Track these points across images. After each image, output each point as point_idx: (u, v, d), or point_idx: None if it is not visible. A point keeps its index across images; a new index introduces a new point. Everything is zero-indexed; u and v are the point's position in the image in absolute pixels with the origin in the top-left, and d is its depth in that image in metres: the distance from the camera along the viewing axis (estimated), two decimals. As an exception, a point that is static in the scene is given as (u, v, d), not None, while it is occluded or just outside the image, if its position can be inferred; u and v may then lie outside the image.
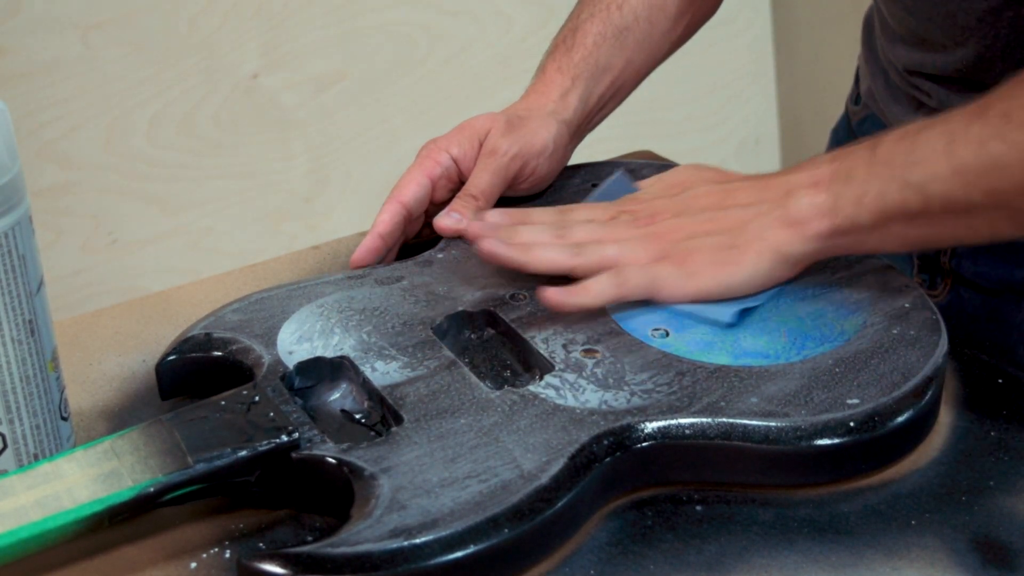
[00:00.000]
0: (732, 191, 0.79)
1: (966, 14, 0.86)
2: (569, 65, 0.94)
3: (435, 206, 0.88)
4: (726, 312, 0.77)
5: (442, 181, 0.88)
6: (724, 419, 0.70)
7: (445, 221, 0.85)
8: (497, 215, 0.81)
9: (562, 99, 0.92)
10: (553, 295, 0.75)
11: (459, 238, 0.85)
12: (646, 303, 0.79)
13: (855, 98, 1.06)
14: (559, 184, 0.92)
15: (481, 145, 0.89)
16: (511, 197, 0.90)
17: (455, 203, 0.86)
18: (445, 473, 0.66)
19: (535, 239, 0.79)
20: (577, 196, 0.90)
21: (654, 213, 0.80)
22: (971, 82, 0.88)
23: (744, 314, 0.77)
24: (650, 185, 0.84)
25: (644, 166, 0.93)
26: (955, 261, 0.92)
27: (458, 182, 0.89)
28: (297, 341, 0.76)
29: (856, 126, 1.04)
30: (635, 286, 0.76)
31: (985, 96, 0.71)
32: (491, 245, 0.78)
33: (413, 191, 0.87)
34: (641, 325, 0.77)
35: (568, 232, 0.79)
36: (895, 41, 0.95)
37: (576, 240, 0.79)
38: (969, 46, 0.87)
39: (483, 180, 0.87)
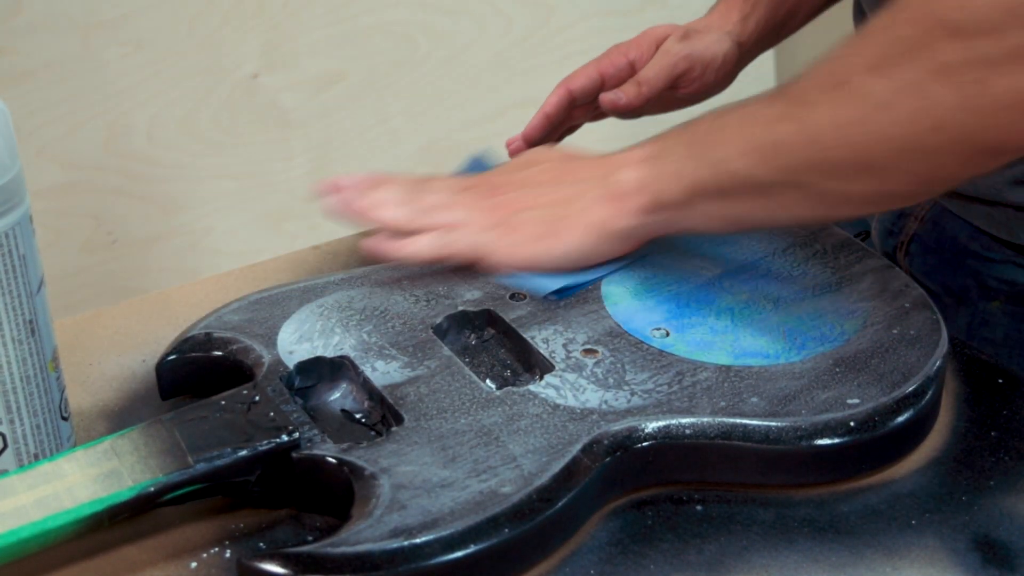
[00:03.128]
0: (571, 168, 0.82)
1: None
2: None
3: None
4: (547, 285, 0.79)
5: (613, 80, 0.95)
6: (724, 419, 0.70)
7: (608, 97, 0.93)
8: (356, 177, 0.84)
9: (742, 22, 0.99)
10: (371, 240, 0.81)
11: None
12: (646, 303, 0.79)
13: None
14: None
15: (658, 47, 0.96)
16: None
17: (625, 85, 0.94)
18: (445, 473, 0.66)
19: (387, 199, 0.82)
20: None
21: (500, 186, 0.83)
22: None
23: (566, 292, 0.79)
24: (505, 163, 0.88)
25: None
26: (908, 260, 0.94)
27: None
28: (297, 341, 0.76)
29: None
30: (459, 249, 0.80)
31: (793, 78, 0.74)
32: (343, 199, 0.83)
33: (582, 82, 0.95)
34: (641, 325, 0.77)
35: (418, 197, 0.83)
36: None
37: (424, 204, 0.82)
38: None
39: (651, 71, 0.94)
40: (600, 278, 0.80)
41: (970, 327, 0.92)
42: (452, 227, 0.81)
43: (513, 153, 0.95)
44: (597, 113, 0.98)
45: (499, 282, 0.80)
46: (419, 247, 0.80)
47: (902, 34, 0.64)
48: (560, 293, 0.79)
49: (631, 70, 0.96)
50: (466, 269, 0.82)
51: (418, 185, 0.84)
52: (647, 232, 0.78)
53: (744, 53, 0.99)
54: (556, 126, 0.95)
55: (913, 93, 0.64)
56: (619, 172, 0.78)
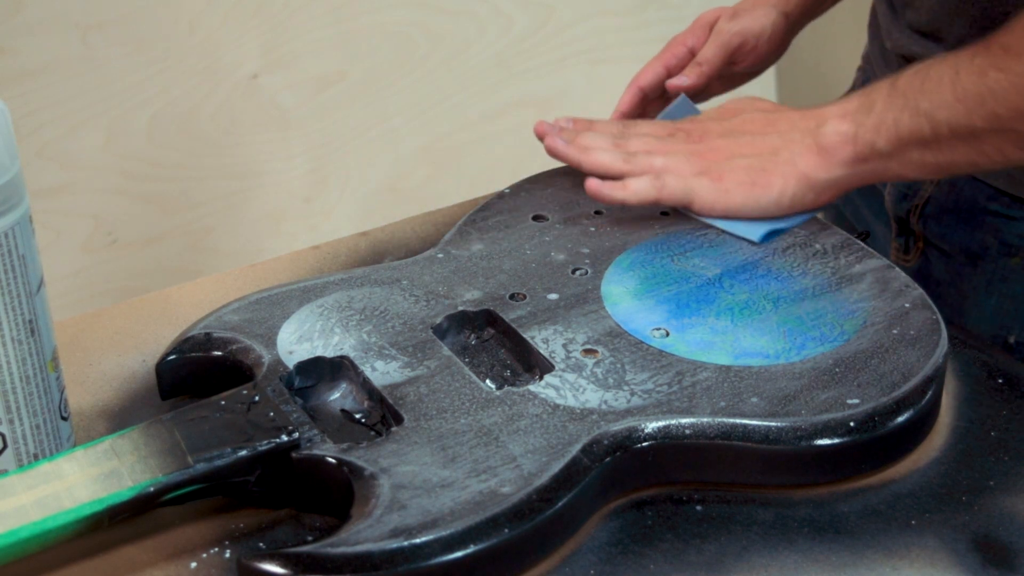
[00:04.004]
0: (775, 120, 0.86)
1: None
2: None
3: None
4: (756, 231, 0.83)
5: (677, 70, 0.99)
6: (724, 419, 0.70)
7: (673, 82, 0.97)
8: (565, 120, 0.89)
9: None
10: (593, 183, 0.84)
11: (461, 238, 0.85)
12: (646, 303, 0.79)
13: (860, 66, 1.12)
14: (560, 183, 0.92)
15: (711, 29, 1.01)
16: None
17: (687, 68, 0.98)
18: (445, 473, 0.66)
19: (594, 143, 0.87)
20: (579, 195, 0.90)
21: (704, 133, 0.87)
22: (939, 37, 0.94)
23: (772, 235, 0.83)
24: (711, 110, 0.91)
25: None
26: (923, 223, 0.96)
27: None
28: (297, 341, 0.76)
29: (856, 88, 1.09)
30: (671, 192, 0.84)
31: (993, 33, 0.77)
32: (553, 141, 0.87)
33: (649, 77, 0.99)
34: (641, 325, 0.77)
35: (626, 142, 0.87)
36: (883, 4, 1.01)
37: (631, 149, 0.86)
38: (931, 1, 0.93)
39: (709, 51, 0.99)
40: (799, 223, 0.84)
41: (989, 284, 0.93)
42: (662, 171, 0.84)
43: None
44: (663, 106, 1.01)
45: (709, 222, 0.84)
46: (635, 190, 0.84)
47: None
48: (768, 237, 0.83)
49: (691, 57, 1.00)
50: (466, 269, 0.82)
51: (625, 130, 0.88)
52: (853, 182, 0.82)
53: (792, 23, 1.03)
54: None
55: None
56: (826, 124, 0.82)
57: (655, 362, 0.74)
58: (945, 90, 0.77)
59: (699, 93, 0.99)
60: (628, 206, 0.86)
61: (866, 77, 1.07)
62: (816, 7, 1.06)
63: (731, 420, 0.70)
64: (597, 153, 0.86)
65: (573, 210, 0.88)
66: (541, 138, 0.88)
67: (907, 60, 0.97)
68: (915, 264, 0.97)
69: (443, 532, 0.63)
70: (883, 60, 1.02)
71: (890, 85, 0.81)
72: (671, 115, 0.94)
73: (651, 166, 0.85)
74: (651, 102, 0.99)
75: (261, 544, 0.68)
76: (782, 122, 0.85)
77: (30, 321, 0.69)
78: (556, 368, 0.74)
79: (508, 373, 0.76)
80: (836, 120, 0.82)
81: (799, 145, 0.83)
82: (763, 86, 1.99)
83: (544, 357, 0.75)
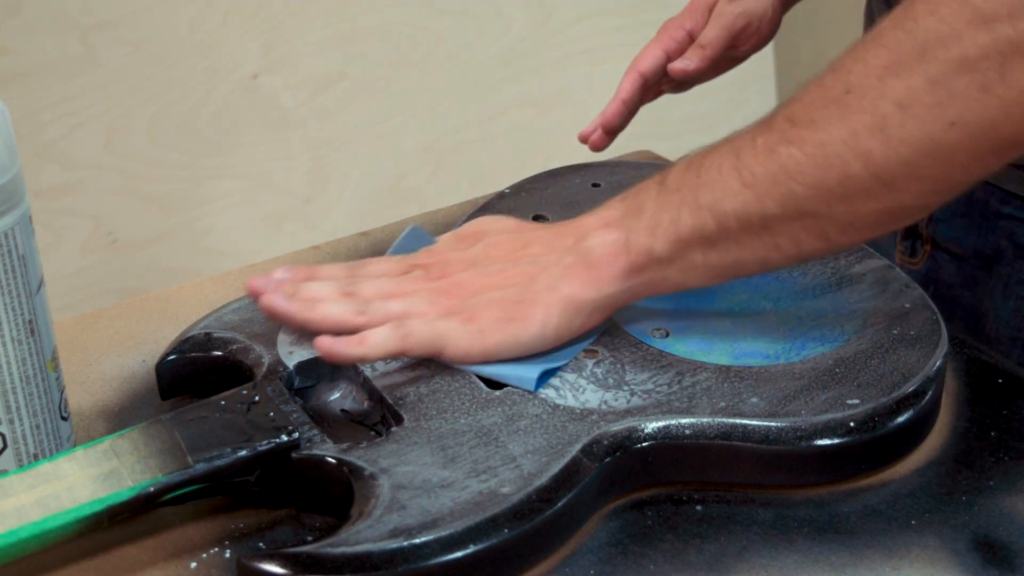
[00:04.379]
0: (526, 242, 0.77)
1: None
2: None
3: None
4: (529, 374, 0.72)
5: (676, 54, 0.96)
6: (724, 419, 0.70)
7: (677, 66, 0.94)
8: (283, 272, 0.76)
9: None
10: (325, 342, 0.71)
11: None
12: (646, 303, 0.79)
13: None
14: (560, 183, 0.92)
15: (711, 12, 0.98)
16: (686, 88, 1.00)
17: (688, 51, 0.95)
18: (445, 473, 0.66)
19: (321, 294, 0.75)
20: (579, 195, 0.90)
21: (445, 266, 0.77)
22: None
23: (546, 376, 0.72)
24: (447, 237, 0.81)
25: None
26: (932, 227, 0.95)
27: None
28: (297, 341, 0.76)
29: None
30: (418, 340, 0.72)
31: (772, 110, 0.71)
32: (271, 300, 0.74)
33: (649, 62, 0.96)
34: (641, 325, 0.77)
35: (356, 287, 0.76)
36: (881, 4, 0.99)
37: (365, 296, 0.75)
38: None
39: (712, 33, 0.96)
40: (576, 352, 0.74)
41: (1006, 287, 0.92)
42: (403, 317, 0.73)
43: (595, 146, 0.96)
44: (661, 91, 1.00)
45: (471, 371, 0.73)
46: (374, 344, 0.72)
47: (925, 27, 0.63)
48: (543, 380, 0.72)
49: (690, 40, 0.97)
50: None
51: (355, 272, 0.78)
52: (626, 298, 0.74)
53: (785, 4, 1.01)
54: (632, 111, 0.96)
55: (932, 89, 0.63)
56: (588, 238, 0.73)
57: (655, 362, 0.74)
58: (728, 178, 0.69)
59: (696, 79, 0.97)
60: (368, 362, 0.74)
61: None
62: None
63: (731, 420, 0.70)
64: (325, 306, 0.74)
65: (573, 210, 0.88)
66: (256, 297, 0.75)
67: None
68: (922, 267, 0.96)
69: (443, 532, 0.63)
70: None
71: (658, 184, 0.73)
72: (403, 248, 0.81)
73: (389, 313, 0.73)
74: (650, 88, 0.98)
75: (261, 544, 0.68)
76: (534, 243, 0.76)
77: (30, 321, 0.69)
78: (556, 368, 0.74)
79: (508, 373, 0.76)
80: (600, 231, 0.73)
81: (557, 267, 0.73)
82: (763, 87, 1.99)
83: (544, 357, 0.75)
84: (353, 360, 0.72)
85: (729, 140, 0.71)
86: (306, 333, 0.76)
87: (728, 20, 0.97)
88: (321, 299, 0.75)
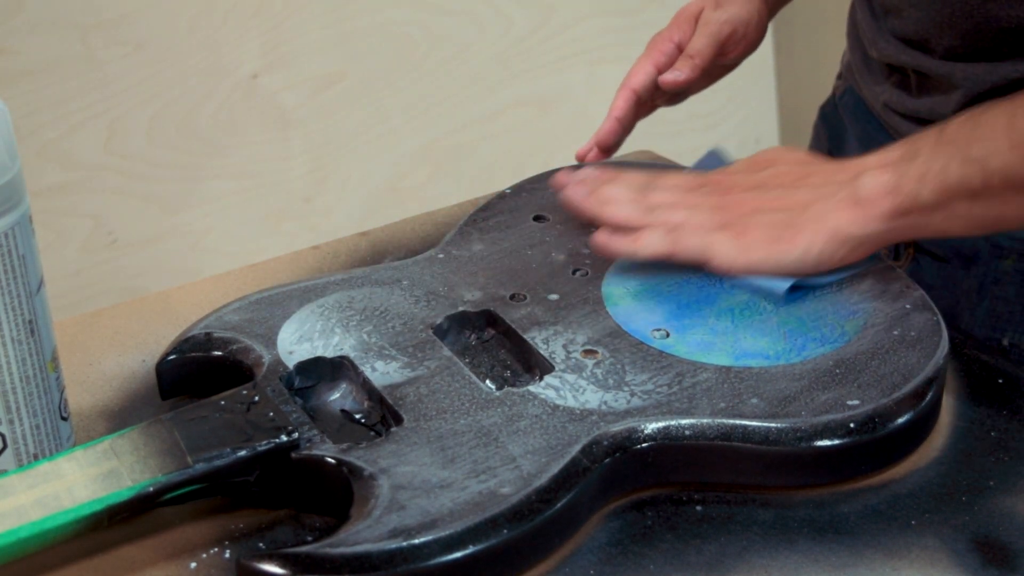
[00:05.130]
0: (808, 173, 0.80)
1: None
2: None
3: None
4: (780, 286, 0.78)
5: (666, 67, 0.97)
6: (724, 420, 0.70)
7: (668, 78, 0.95)
8: (589, 170, 0.85)
9: None
10: (601, 236, 0.80)
11: (462, 238, 0.85)
12: (646, 304, 0.79)
13: (839, 73, 1.11)
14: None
15: (697, 22, 0.99)
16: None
17: (677, 62, 0.96)
18: (444, 473, 0.66)
19: (615, 196, 0.82)
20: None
21: (731, 186, 0.82)
22: (928, 47, 0.93)
23: (797, 292, 0.78)
24: (742, 162, 0.86)
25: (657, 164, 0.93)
26: None
27: None
28: (297, 341, 0.76)
29: (838, 99, 1.09)
30: (686, 247, 0.79)
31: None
32: (573, 192, 0.83)
33: (641, 78, 0.96)
34: (641, 326, 0.77)
35: (649, 194, 0.82)
36: (867, 9, 0.99)
37: (653, 202, 0.81)
38: (923, 8, 0.91)
39: (700, 43, 0.96)
40: (832, 283, 0.79)
41: (982, 286, 0.93)
42: (679, 225, 0.80)
43: (601, 147, 0.96)
44: (655, 106, 1.00)
45: (731, 281, 0.79)
46: (645, 244, 0.79)
47: None
48: (794, 292, 0.78)
49: (679, 53, 0.98)
50: (466, 269, 0.82)
51: (648, 182, 0.83)
52: (889, 238, 0.77)
53: (771, 8, 1.02)
54: (628, 128, 0.97)
55: None
56: (864, 176, 0.77)
57: (655, 363, 0.74)
58: (999, 136, 0.72)
59: (686, 90, 0.98)
60: (638, 259, 0.81)
61: (848, 87, 1.06)
62: None
63: (731, 421, 0.70)
64: (616, 206, 0.82)
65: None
66: (558, 189, 0.85)
67: (893, 70, 0.97)
68: (906, 269, 0.97)
69: (442, 533, 0.63)
70: (867, 69, 1.02)
71: (938, 132, 0.76)
72: (701, 167, 0.89)
73: (669, 220, 0.80)
74: (644, 104, 0.98)
75: (261, 544, 0.68)
76: (816, 175, 0.80)
77: (30, 321, 0.69)
78: (556, 369, 0.74)
79: (508, 374, 0.76)
80: (876, 171, 0.77)
81: (832, 199, 0.78)
82: (763, 87, 1.99)
83: (544, 358, 0.75)
84: (623, 255, 0.80)
85: (1009, 99, 0.73)
86: (306, 333, 0.76)
87: (714, 28, 0.97)
88: (614, 200, 0.82)
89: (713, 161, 0.89)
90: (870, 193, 0.76)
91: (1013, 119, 0.72)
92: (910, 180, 0.75)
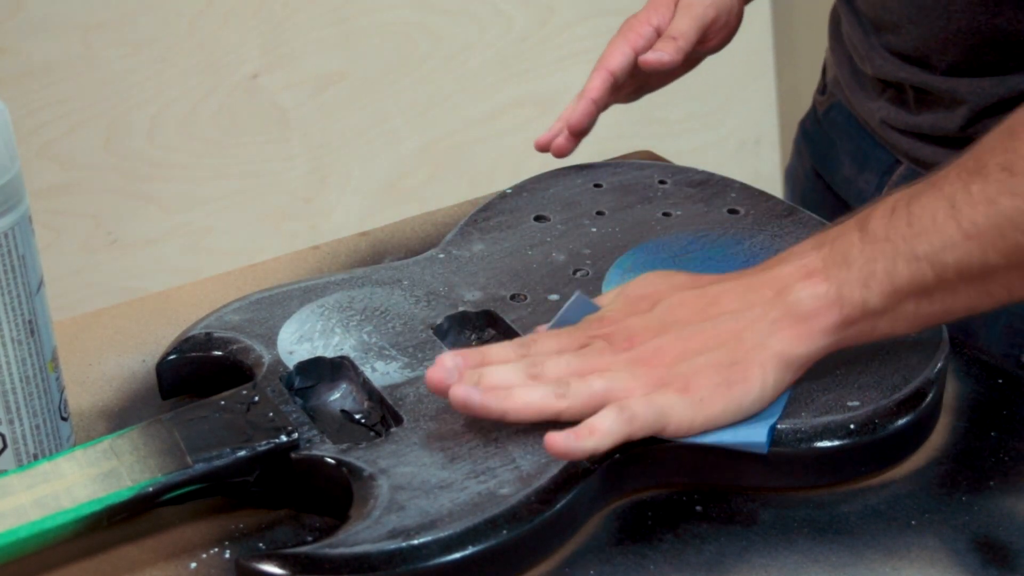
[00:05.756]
0: (713, 297, 0.72)
1: None
2: None
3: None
4: (757, 435, 0.69)
5: (643, 50, 0.93)
6: (724, 419, 0.70)
7: (651, 58, 0.91)
8: (450, 358, 0.69)
9: None
10: (558, 441, 0.66)
11: (462, 238, 0.85)
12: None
13: (821, 88, 1.08)
14: (561, 184, 0.92)
15: (676, 6, 0.95)
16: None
17: (659, 44, 0.92)
18: (444, 474, 0.66)
19: (507, 380, 0.69)
20: (580, 196, 0.90)
21: (631, 335, 0.71)
22: (928, 64, 0.91)
23: (772, 433, 0.70)
24: (612, 302, 0.75)
25: (642, 166, 0.93)
26: None
27: None
28: (297, 341, 0.76)
29: (822, 115, 1.07)
30: (643, 421, 0.68)
31: (971, 152, 0.68)
32: (466, 394, 0.68)
33: (619, 60, 0.92)
34: (641, 325, 0.77)
35: (541, 368, 0.70)
36: (857, 25, 0.97)
37: (555, 376, 0.69)
38: (924, 25, 0.89)
39: (683, 23, 0.93)
40: (783, 406, 0.70)
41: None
42: (612, 396, 0.68)
43: (560, 151, 0.91)
44: (631, 92, 0.97)
45: (694, 441, 0.69)
46: (603, 433, 0.67)
47: None
48: (771, 436, 0.70)
49: (657, 36, 0.94)
50: (466, 269, 0.82)
51: (528, 351, 0.71)
52: (832, 350, 0.71)
53: None
54: (601, 110, 0.92)
55: None
56: (792, 291, 0.70)
57: (655, 362, 0.74)
58: (945, 228, 0.66)
59: (663, 76, 0.94)
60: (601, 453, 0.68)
61: (835, 102, 1.04)
62: None
63: (731, 421, 0.70)
64: (521, 392, 0.68)
65: (574, 211, 0.88)
66: (438, 391, 0.69)
67: (888, 85, 0.96)
68: None
69: (441, 533, 0.63)
70: (857, 84, 1.00)
71: (859, 231, 0.69)
72: (567, 319, 0.74)
73: (593, 393, 0.68)
74: (619, 88, 0.93)
75: (261, 544, 0.68)
76: (723, 298, 0.71)
77: (30, 321, 0.69)
78: (556, 368, 0.73)
79: (508, 373, 0.76)
80: (805, 282, 0.69)
81: (764, 321, 0.70)
82: (763, 87, 1.99)
83: (544, 357, 0.74)
84: (589, 454, 0.67)
85: (933, 186, 0.68)
86: (306, 333, 0.76)
87: (699, 11, 0.94)
88: (511, 385, 0.69)
89: (580, 309, 0.74)
90: (810, 308, 0.69)
91: (955, 208, 0.66)
92: (854, 288, 0.68)
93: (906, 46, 0.92)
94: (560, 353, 0.71)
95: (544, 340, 0.72)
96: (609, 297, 0.75)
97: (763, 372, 0.69)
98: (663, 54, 0.91)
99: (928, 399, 0.72)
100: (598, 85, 0.92)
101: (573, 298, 0.74)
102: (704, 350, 0.70)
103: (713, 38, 0.96)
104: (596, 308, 0.74)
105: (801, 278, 0.70)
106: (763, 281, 0.71)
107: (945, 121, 0.92)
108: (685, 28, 0.93)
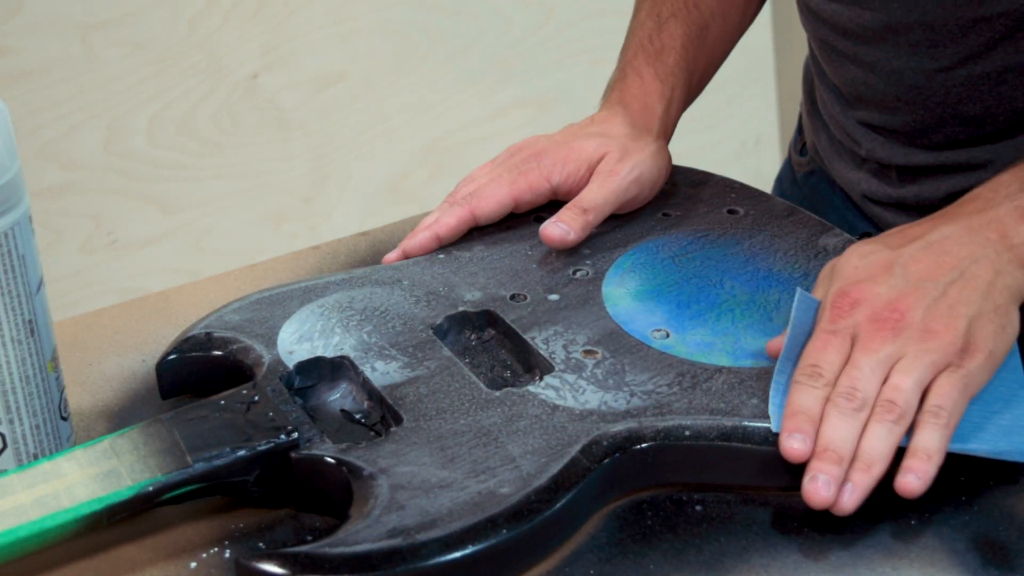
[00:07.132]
0: (939, 246, 0.72)
1: (913, 73, 0.87)
2: (665, 72, 0.91)
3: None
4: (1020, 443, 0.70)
5: (528, 206, 0.86)
6: (724, 420, 0.70)
7: (553, 231, 0.81)
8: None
9: (666, 112, 0.90)
10: (913, 486, 0.66)
11: (462, 238, 0.85)
12: (646, 304, 0.79)
13: (801, 148, 1.05)
14: None
15: (590, 170, 0.86)
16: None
17: (564, 213, 0.82)
18: (444, 473, 0.66)
19: (845, 435, 0.68)
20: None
21: (890, 302, 0.70)
22: (912, 136, 0.89)
23: None
24: (828, 285, 0.74)
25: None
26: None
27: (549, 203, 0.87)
28: (297, 341, 0.76)
29: (802, 179, 1.03)
30: (963, 406, 0.69)
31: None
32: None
33: (493, 209, 0.84)
34: (641, 326, 0.77)
35: (857, 393, 0.68)
36: (836, 101, 0.95)
37: (872, 396, 0.68)
38: (917, 104, 0.87)
39: (599, 196, 0.83)
40: None
41: None
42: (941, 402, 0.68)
43: (406, 255, 0.83)
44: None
45: (965, 451, 0.70)
46: (939, 453, 0.68)
47: None
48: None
49: (551, 196, 0.86)
50: (466, 269, 0.82)
51: (824, 374, 0.69)
52: None
53: (675, 122, 0.92)
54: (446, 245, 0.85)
55: None
56: (1019, 232, 0.72)
57: (655, 363, 0.74)
58: None
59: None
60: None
61: (815, 168, 1.00)
62: (683, 110, 0.93)
63: (731, 421, 0.70)
64: (873, 456, 0.68)
65: (573, 210, 0.88)
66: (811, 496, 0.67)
67: (870, 159, 0.93)
68: None
69: (441, 532, 0.63)
70: (835, 153, 0.96)
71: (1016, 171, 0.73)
72: (803, 323, 0.73)
73: (910, 399, 0.68)
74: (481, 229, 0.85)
75: (261, 544, 0.68)
76: (952, 245, 0.72)
77: (30, 321, 0.69)
78: (556, 369, 0.74)
79: (508, 374, 0.76)
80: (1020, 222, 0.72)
81: (1000, 263, 0.71)
82: (763, 87, 1.99)
83: (544, 358, 0.75)
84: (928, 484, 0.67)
85: None
86: (306, 332, 0.76)
87: (621, 186, 0.84)
88: (851, 438, 0.68)
89: (807, 307, 0.74)
90: None
91: None
92: None
93: (894, 123, 0.90)
94: (852, 363, 0.69)
95: (821, 353, 0.70)
96: (822, 286, 0.74)
97: (1016, 311, 0.71)
98: (569, 231, 0.81)
99: (928, 399, 0.72)
100: (452, 224, 0.84)
101: (797, 298, 0.73)
102: (970, 303, 0.70)
103: (628, 208, 0.87)
104: (817, 301, 0.74)
105: (1019, 219, 0.73)
106: (981, 223, 0.73)
107: (931, 191, 0.90)
108: (601, 201, 0.83)
